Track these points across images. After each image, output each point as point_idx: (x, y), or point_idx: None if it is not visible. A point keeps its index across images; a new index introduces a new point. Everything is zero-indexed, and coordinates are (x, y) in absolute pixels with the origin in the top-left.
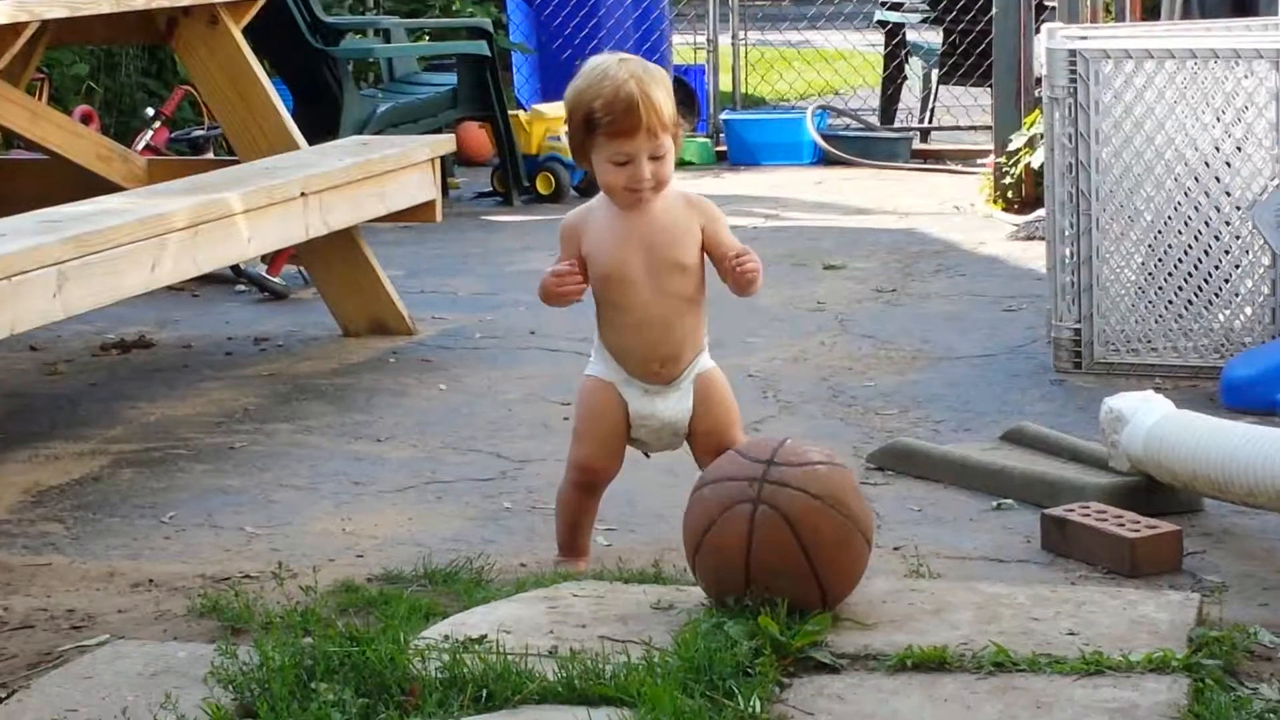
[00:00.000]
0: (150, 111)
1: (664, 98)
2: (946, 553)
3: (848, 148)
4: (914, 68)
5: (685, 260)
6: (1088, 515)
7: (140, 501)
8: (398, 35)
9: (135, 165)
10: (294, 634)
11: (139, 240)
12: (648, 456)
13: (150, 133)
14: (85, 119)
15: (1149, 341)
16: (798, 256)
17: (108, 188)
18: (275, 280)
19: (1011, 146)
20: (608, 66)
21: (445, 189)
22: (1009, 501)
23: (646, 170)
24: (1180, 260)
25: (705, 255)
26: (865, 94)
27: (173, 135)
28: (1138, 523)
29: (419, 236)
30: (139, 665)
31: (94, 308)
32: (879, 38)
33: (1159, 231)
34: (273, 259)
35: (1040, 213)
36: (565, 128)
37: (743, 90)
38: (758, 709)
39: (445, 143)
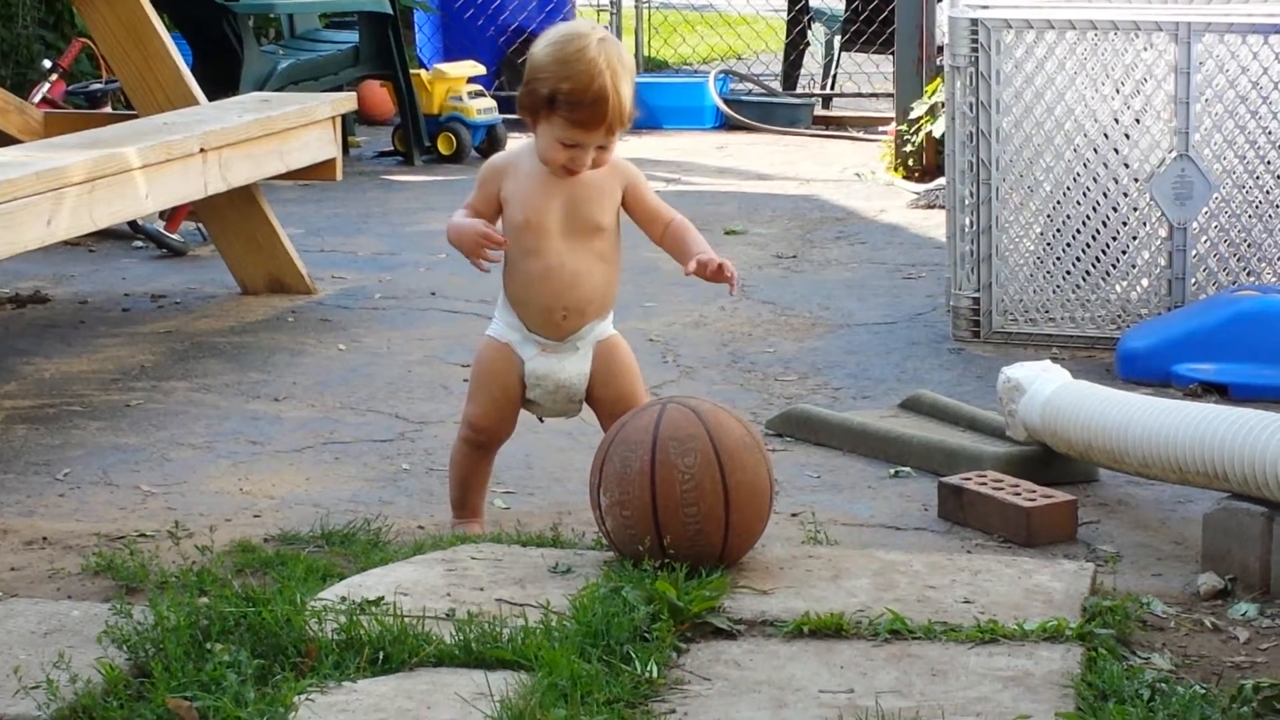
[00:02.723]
0: (47, 64)
1: (629, 93)
2: (844, 520)
3: (750, 113)
4: (817, 34)
5: (602, 220)
6: (984, 484)
7: (34, 459)
8: None
9: (31, 118)
10: (189, 594)
11: (35, 194)
12: (541, 421)
13: (47, 85)
14: None
15: (1047, 311)
16: (699, 221)
17: (3, 140)
18: (173, 237)
19: (913, 114)
20: (587, 45)
21: (346, 148)
22: (907, 469)
23: (589, 158)
24: (1078, 231)
25: (627, 216)
26: (768, 59)
27: (70, 88)
28: (1034, 492)
29: (319, 195)
30: (32, 624)
31: None
32: (782, 3)
33: (1058, 202)
34: (171, 215)
35: (941, 181)
36: (526, 77)
37: (645, 53)
38: (654, 674)
39: (346, 101)
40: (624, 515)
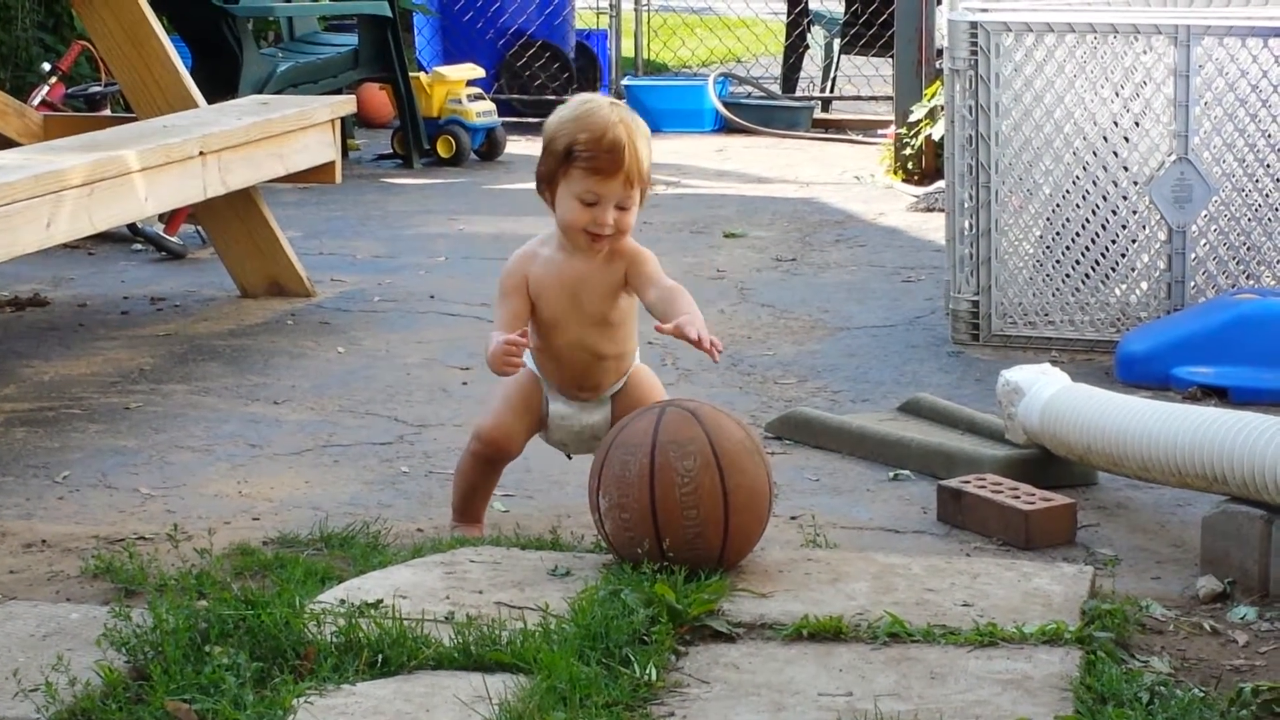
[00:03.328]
0: (47, 67)
1: (646, 152)
2: (843, 523)
3: (749, 116)
4: (816, 37)
5: (611, 316)
6: (983, 487)
7: (33, 461)
8: None
9: (31, 121)
10: (188, 596)
11: (34, 197)
12: (569, 458)
13: (46, 88)
14: None
15: (1046, 315)
16: (698, 224)
17: (2, 143)
18: (172, 240)
19: (912, 118)
20: (599, 105)
21: (345, 150)
22: (906, 472)
23: (610, 216)
24: (1078, 234)
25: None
26: (767, 62)
27: (69, 91)
28: (1033, 495)
29: (318, 198)
30: (31, 626)
31: None
32: (782, 6)
33: (1057, 205)
34: (170, 218)
35: (940, 184)
36: (542, 150)
37: (645, 56)
38: (653, 677)
39: (345, 104)
40: (623, 518)
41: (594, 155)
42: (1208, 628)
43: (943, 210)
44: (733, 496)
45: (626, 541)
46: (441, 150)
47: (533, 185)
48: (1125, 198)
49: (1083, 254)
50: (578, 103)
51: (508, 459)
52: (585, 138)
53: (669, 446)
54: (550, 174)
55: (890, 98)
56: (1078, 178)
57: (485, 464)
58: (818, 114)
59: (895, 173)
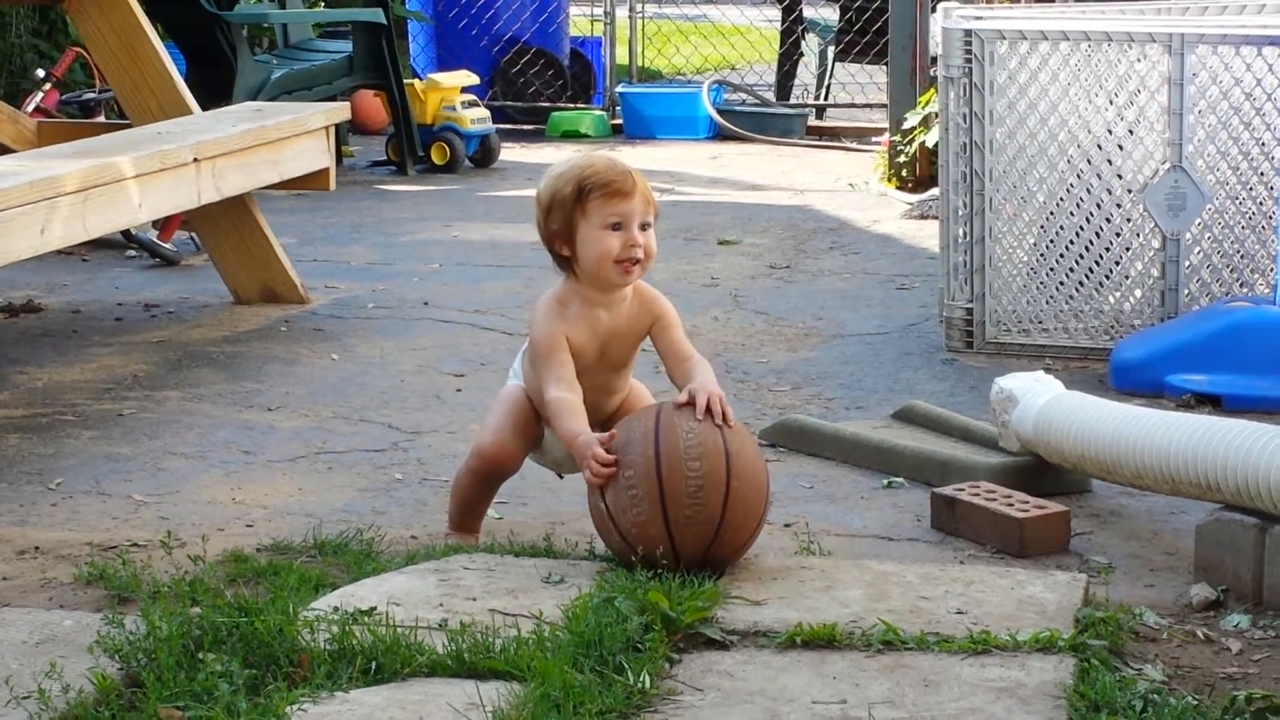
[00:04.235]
0: (41, 73)
1: (646, 182)
2: (837, 530)
3: (743, 123)
4: (810, 44)
5: (630, 359)
6: (977, 495)
7: (27, 468)
8: (293, 1)
9: (25, 127)
10: (182, 604)
11: (28, 203)
12: (561, 477)
13: (41, 94)
14: None
15: (1040, 322)
16: (692, 231)
17: None
18: (166, 246)
19: (906, 125)
20: (588, 154)
21: (339, 157)
22: (899, 480)
23: (639, 236)
24: (1072, 242)
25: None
26: (761, 69)
27: (63, 98)
28: (1026, 503)
29: (312, 205)
30: (24, 634)
31: None
32: (776, 13)
33: (1051, 213)
34: (164, 225)
35: (934, 192)
36: (542, 215)
37: (639, 63)
38: (647, 684)
39: (340, 110)
40: (626, 476)
41: (608, 180)
42: (1201, 636)
43: (937, 217)
44: (735, 460)
45: (627, 503)
46: (436, 157)
47: (527, 192)
48: (1119, 205)
49: (1077, 261)
50: (560, 162)
51: (506, 476)
52: (591, 171)
53: (675, 413)
54: (565, 223)
55: (884, 105)
56: (1072, 185)
57: (483, 481)
58: (812, 121)
59: (889, 180)
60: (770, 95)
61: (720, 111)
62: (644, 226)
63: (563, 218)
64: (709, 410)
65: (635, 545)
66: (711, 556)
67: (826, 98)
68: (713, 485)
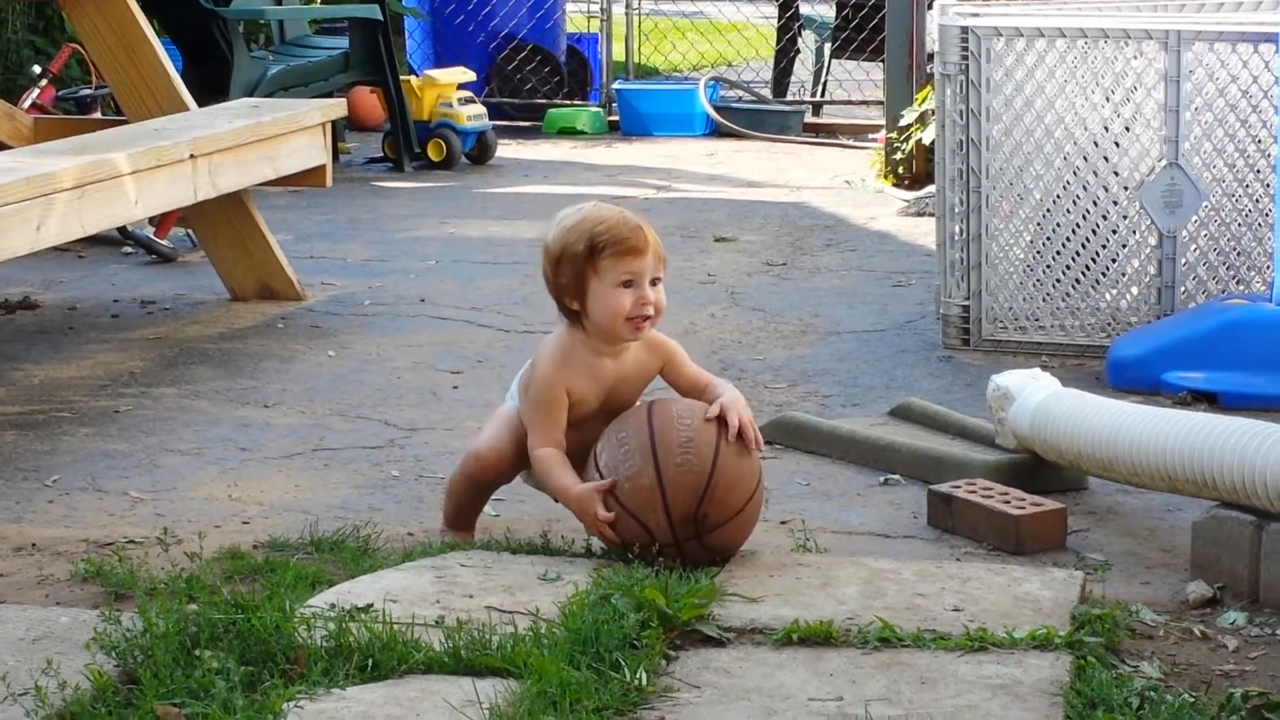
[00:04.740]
0: (37, 69)
1: (656, 237)
2: (833, 527)
3: (740, 120)
4: (807, 41)
5: (633, 405)
6: (974, 492)
7: (23, 464)
8: None
9: (21, 123)
10: (178, 600)
11: (24, 200)
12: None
13: (37, 91)
14: None
15: (1036, 319)
16: (689, 228)
17: None
18: (163, 243)
19: (903, 122)
20: (591, 205)
21: (336, 154)
22: (896, 477)
23: (650, 294)
24: (1068, 239)
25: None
26: (758, 66)
27: (60, 94)
28: (1023, 500)
29: (309, 201)
30: (20, 630)
31: None
32: (772, 10)
33: (1048, 210)
34: (160, 221)
35: (931, 189)
36: (551, 268)
37: (636, 60)
38: (644, 681)
39: (336, 107)
40: (619, 436)
41: (621, 238)
42: (1198, 633)
43: (933, 215)
44: (726, 433)
45: (620, 459)
46: (432, 154)
47: (523, 189)
48: (1116, 203)
49: (1073, 259)
50: (570, 212)
51: (501, 483)
52: (604, 227)
53: (667, 400)
54: (577, 278)
55: (881, 102)
56: (1068, 183)
57: (477, 486)
58: (808, 118)
59: (886, 177)
60: (767, 92)
61: (717, 108)
62: (654, 282)
63: (573, 272)
64: (740, 434)
65: (628, 507)
66: (704, 516)
67: (823, 94)
68: (703, 439)
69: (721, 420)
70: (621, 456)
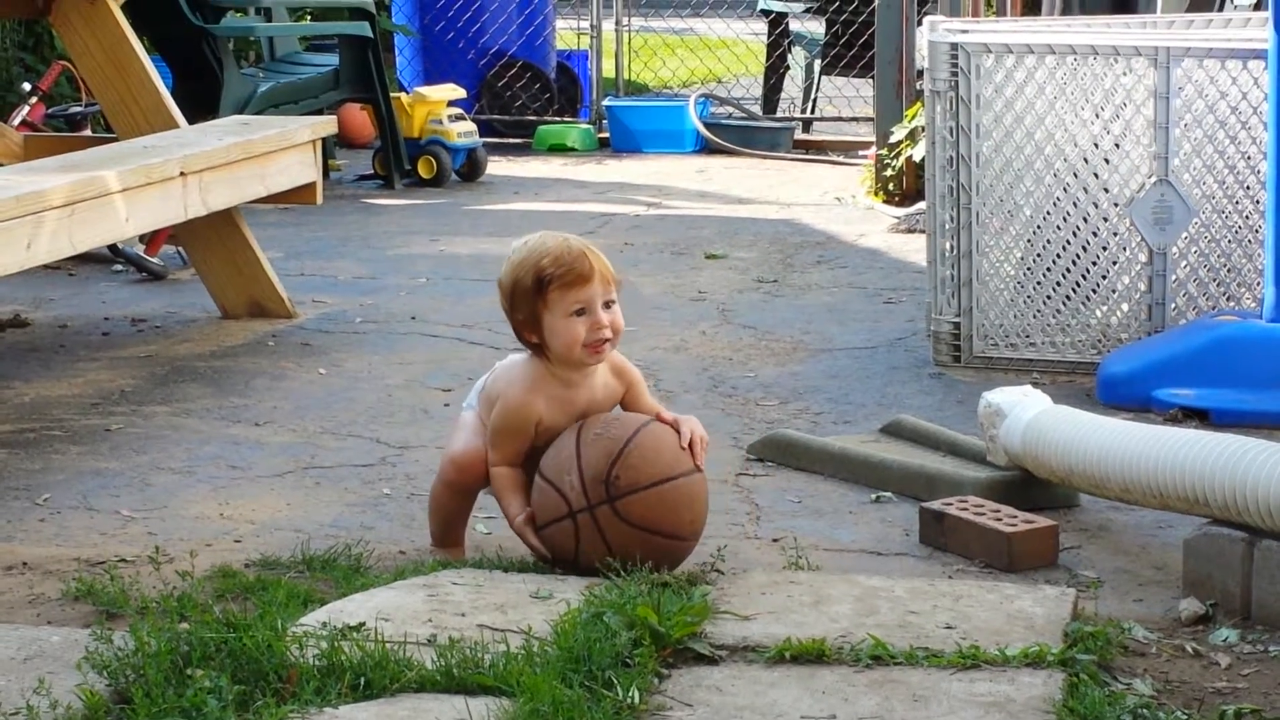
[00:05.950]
0: (27, 86)
1: (604, 258)
2: (825, 545)
3: (730, 137)
4: (797, 57)
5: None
6: (965, 509)
7: (14, 483)
8: (279, 14)
9: (11, 141)
10: (170, 619)
11: (14, 218)
12: None
13: (27, 108)
14: None
15: (1027, 336)
16: (679, 245)
17: None
18: (153, 260)
19: (893, 139)
20: (539, 236)
21: (326, 171)
22: (888, 494)
23: (604, 317)
24: (1059, 256)
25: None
26: (748, 83)
27: (49, 111)
28: (1015, 517)
29: (299, 218)
30: (11, 649)
31: None
32: (762, 27)
33: (1038, 227)
34: (151, 239)
35: (921, 206)
36: (507, 304)
37: (626, 77)
38: (636, 700)
39: (326, 124)
40: (550, 452)
41: (566, 268)
42: (1190, 650)
43: (924, 231)
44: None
45: (545, 445)
46: (422, 171)
47: (513, 206)
48: (1106, 220)
49: (1063, 276)
50: (519, 245)
51: (481, 485)
52: (548, 260)
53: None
54: (531, 314)
55: (871, 119)
56: (1058, 199)
57: (459, 493)
58: (798, 135)
59: (876, 194)
60: (757, 109)
61: (707, 125)
62: (608, 304)
63: (527, 308)
64: (690, 446)
65: (547, 476)
66: (615, 478)
67: (813, 111)
68: (629, 420)
69: (682, 435)
70: (546, 444)
